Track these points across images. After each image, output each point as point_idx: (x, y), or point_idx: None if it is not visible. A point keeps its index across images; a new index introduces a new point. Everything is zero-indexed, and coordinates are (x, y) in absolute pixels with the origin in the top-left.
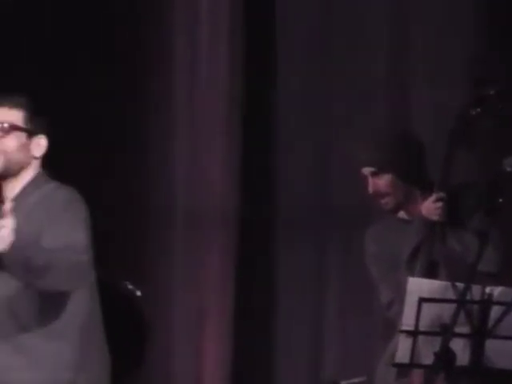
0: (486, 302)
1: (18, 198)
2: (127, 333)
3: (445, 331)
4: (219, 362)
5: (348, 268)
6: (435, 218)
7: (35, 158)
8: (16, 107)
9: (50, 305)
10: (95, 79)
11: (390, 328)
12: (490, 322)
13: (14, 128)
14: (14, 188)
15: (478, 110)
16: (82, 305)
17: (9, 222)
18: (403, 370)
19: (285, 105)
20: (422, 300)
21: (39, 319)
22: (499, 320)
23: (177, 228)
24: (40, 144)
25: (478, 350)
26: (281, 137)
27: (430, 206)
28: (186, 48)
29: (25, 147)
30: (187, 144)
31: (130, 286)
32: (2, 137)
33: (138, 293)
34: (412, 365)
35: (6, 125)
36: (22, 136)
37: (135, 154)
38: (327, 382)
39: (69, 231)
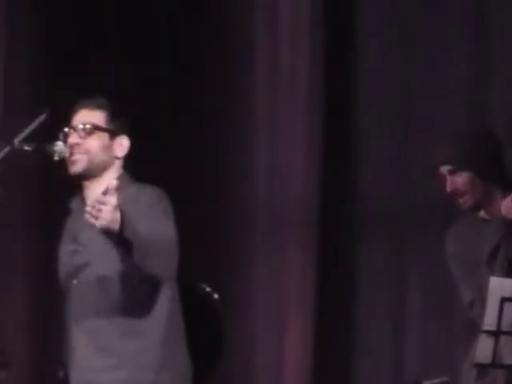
0: None
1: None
2: (205, 335)
3: None
4: (300, 361)
5: (429, 268)
6: None
7: (117, 158)
8: (98, 108)
9: (139, 295)
10: (176, 79)
11: (472, 328)
12: None
13: (96, 128)
14: (95, 189)
15: None
16: (165, 305)
17: (112, 200)
18: (484, 370)
19: (365, 103)
20: (504, 299)
21: (128, 307)
22: None
23: (257, 228)
24: (122, 144)
25: None
26: (361, 137)
27: (509, 205)
28: (268, 46)
29: (107, 148)
30: (267, 144)
31: (208, 289)
32: (85, 138)
33: (216, 295)
34: (494, 365)
35: (88, 126)
36: (105, 136)
37: (216, 155)
38: (409, 381)
39: (159, 222)
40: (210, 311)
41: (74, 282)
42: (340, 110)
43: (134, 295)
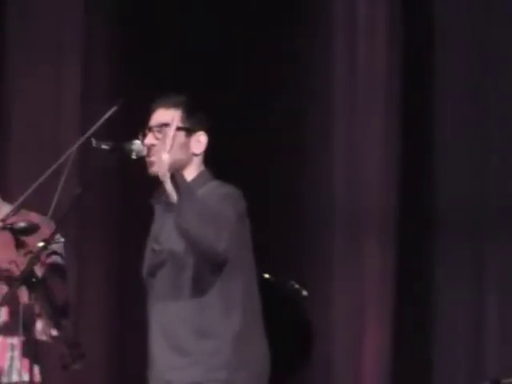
0: None
1: None
2: (293, 332)
3: None
4: (379, 361)
5: (508, 268)
6: None
7: (195, 154)
8: (174, 107)
9: (212, 295)
10: (254, 75)
11: None
12: None
13: (170, 127)
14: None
15: None
16: (239, 304)
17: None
18: None
19: (443, 104)
20: None
21: (201, 306)
22: None
23: (336, 228)
24: (200, 141)
25: None
26: (440, 136)
27: None
28: (345, 48)
29: (184, 145)
30: (346, 145)
31: (297, 286)
32: (162, 138)
33: (305, 292)
34: None
35: (162, 126)
36: (181, 135)
37: (295, 155)
38: (488, 380)
39: (222, 205)
40: (298, 308)
41: (153, 280)
42: (418, 107)
43: (207, 295)
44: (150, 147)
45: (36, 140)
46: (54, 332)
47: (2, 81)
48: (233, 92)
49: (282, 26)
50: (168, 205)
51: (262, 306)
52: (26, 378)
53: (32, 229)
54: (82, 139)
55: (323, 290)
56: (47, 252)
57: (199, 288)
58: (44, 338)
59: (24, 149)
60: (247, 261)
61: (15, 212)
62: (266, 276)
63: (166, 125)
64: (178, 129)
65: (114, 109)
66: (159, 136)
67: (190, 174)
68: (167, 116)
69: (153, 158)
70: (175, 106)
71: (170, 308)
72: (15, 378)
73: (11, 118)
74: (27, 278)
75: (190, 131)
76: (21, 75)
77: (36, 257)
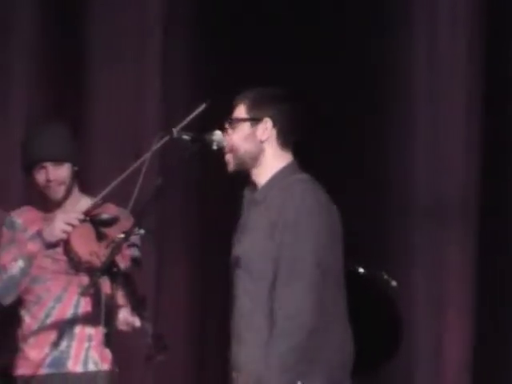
0: None
1: (263, 189)
2: (382, 324)
3: None
4: (460, 351)
5: None
6: None
7: (262, 142)
8: (241, 101)
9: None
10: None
11: None
12: None
13: (235, 122)
14: (261, 176)
15: None
16: (307, 298)
17: None
18: None
19: None
20: None
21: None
22: None
23: (417, 216)
24: (266, 127)
25: None
26: None
27: None
28: (425, 40)
29: (250, 136)
30: (427, 132)
31: (386, 277)
32: (230, 134)
33: (394, 283)
34: None
35: (229, 123)
36: (245, 126)
37: (375, 144)
38: None
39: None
40: (387, 298)
41: (235, 272)
42: (499, 98)
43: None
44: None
45: (117, 134)
46: (137, 323)
47: (84, 76)
48: (324, 85)
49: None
50: (253, 200)
51: (351, 297)
52: (102, 367)
53: (113, 221)
54: (165, 137)
55: (405, 278)
56: (127, 244)
57: (269, 296)
58: (126, 328)
59: (106, 143)
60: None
61: (96, 205)
62: (358, 269)
63: (232, 120)
64: (242, 120)
65: (200, 108)
66: (229, 132)
67: (271, 161)
68: (235, 112)
69: (227, 157)
70: (242, 99)
71: (246, 301)
72: (91, 367)
73: (93, 112)
74: (109, 269)
75: (254, 121)
76: (102, 70)
77: (117, 247)
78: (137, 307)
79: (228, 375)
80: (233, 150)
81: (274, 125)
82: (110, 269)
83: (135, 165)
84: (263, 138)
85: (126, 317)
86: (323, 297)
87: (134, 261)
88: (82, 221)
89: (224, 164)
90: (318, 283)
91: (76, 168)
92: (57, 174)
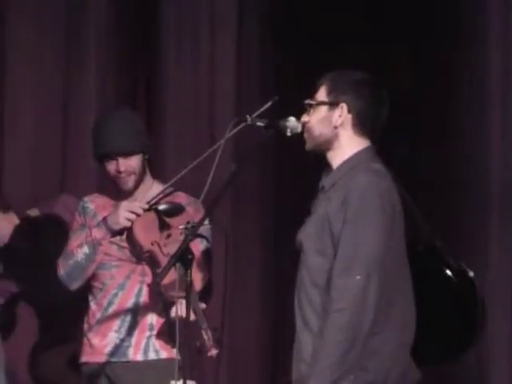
0: None
1: (333, 175)
2: (461, 313)
3: None
4: None
5: None
6: None
7: (335, 127)
8: (322, 83)
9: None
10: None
11: None
12: None
13: (312, 105)
14: (335, 160)
15: None
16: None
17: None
18: None
19: None
20: None
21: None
22: None
23: (492, 202)
24: (341, 113)
25: None
26: None
27: None
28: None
29: (325, 119)
30: (501, 117)
31: (463, 267)
32: (309, 115)
33: (471, 273)
34: None
35: (307, 104)
36: (322, 109)
37: (448, 132)
38: None
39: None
40: (465, 289)
41: (300, 255)
42: None
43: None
44: (303, 124)
45: (191, 121)
46: (192, 316)
47: (156, 63)
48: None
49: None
50: (322, 186)
51: (429, 288)
52: (163, 356)
53: (176, 210)
54: (239, 123)
55: (480, 263)
56: (194, 235)
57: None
58: (179, 319)
59: (178, 129)
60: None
61: (166, 193)
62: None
63: (309, 102)
64: (319, 103)
65: (269, 103)
66: (309, 113)
67: (348, 145)
68: (317, 93)
69: (305, 135)
70: (322, 82)
71: (303, 292)
72: (152, 355)
73: (166, 100)
74: (183, 255)
75: (330, 105)
76: (175, 56)
77: (191, 234)
78: (193, 300)
79: None
80: (309, 131)
81: (350, 110)
82: (184, 255)
83: (209, 151)
84: (338, 123)
85: (181, 309)
86: (383, 290)
87: (203, 253)
88: (146, 210)
89: (300, 150)
90: (379, 276)
91: (147, 157)
92: (127, 165)
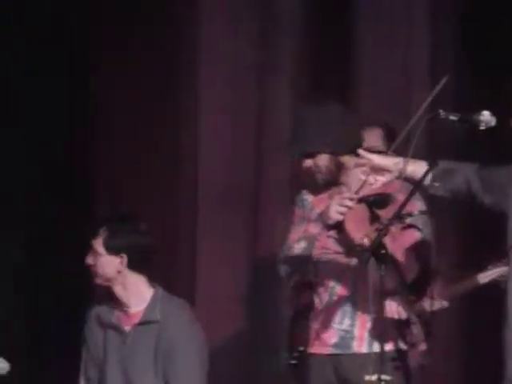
0: None
1: None
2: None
3: None
4: None
5: None
6: None
7: None
8: None
9: None
10: None
11: None
12: None
13: None
14: None
15: None
16: None
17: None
18: None
19: None
20: None
21: None
22: None
23: None
24: None
25: None
26: None
27: None
28: None
29: None
30: None
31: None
32: None
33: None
34: None
35: None
36: None
37: None
38: None
39: None
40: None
41: None
42: None
43: None
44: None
45: (385, 104)
46: (403, 315)
47: (350, 47)
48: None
49: None
50: None
51: None
52: (387, 348)
53: (386, 201)
54: (432, 117)
55: None
56: (401, 226)
57: None
58: (391, 314)
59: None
60: None
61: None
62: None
63: None
64: None
65: (441, 83)
66: None
67: None
68: None
69: None
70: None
71: None
72: (376, 347)
73: (361, 96)
74: (376, 250)
75: None
76: (369, 42)
77: (385, 228)
78: (403, 293)
79: None
80: None
81: None
82: (377, 250)
83: (399, 138)
84: None
85: (390, 302)
86: None
87: (420, 244)
88: (356, 202)
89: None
90: None
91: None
92: (319, 163)
